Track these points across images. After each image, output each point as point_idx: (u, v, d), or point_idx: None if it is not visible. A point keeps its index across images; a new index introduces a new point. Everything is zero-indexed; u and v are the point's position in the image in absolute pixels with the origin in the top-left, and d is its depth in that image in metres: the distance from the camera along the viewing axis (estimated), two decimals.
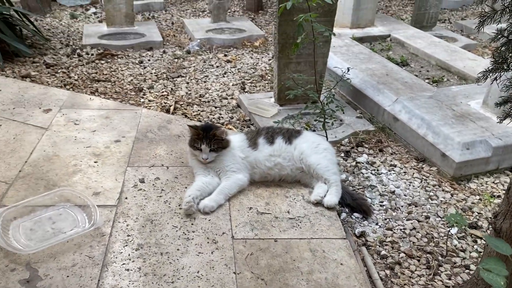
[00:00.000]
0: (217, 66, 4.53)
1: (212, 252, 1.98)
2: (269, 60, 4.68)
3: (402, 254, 2.18)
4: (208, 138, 2.29)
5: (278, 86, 3.41)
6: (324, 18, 3.15)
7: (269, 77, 4.24)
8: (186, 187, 2.36)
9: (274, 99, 3.54)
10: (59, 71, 4.28)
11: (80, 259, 1.90)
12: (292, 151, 2.42)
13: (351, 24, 5.14)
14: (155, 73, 4.30)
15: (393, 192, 2.64)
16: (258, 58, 4.75)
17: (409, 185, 2.71)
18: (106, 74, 4.23)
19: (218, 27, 5.49)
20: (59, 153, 2.62)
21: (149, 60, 4.63)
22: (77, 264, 1.88)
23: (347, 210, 2.43)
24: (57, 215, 2.14)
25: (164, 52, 4.85)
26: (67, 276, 1.82)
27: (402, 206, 2.52)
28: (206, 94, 3.89)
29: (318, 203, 2.31)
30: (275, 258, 1.96)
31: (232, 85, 4.09)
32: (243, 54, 4.88)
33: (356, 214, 2.42)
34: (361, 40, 4.85)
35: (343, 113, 3.13)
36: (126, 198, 2.29)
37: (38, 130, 2.86)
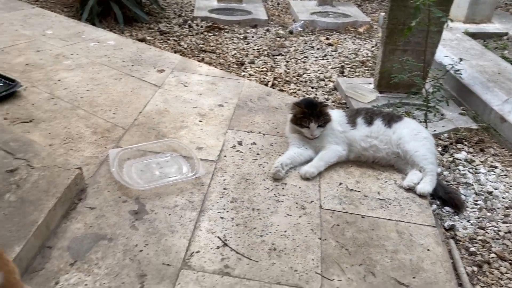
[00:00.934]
0: (318, 48, 4.56)
1: (299, 217, 2.07)
2: (372, 47, 4.61)
3: (492, 255, 2.10)
4: (315, 115, 2.35)
5: (380, 72, 3.37)
6: (440, 7, 3.04)
7: (370, 64, 4.19)
8: (279, 155, 2.46)
9: (374, 85, 3.51)
10: (170, 38, 4.60)
11: (181, 202, 2.10)
12: (390, 134, 2.41)
13: (465, 18, 4.86)
14: (257, 49, 4.45)
15: (490, 193, 2.52)
16: (361, 44, 4.70)
17: (510, 188, 2.57)
18: (212, 46, 4.46)
19: (323, 10, 5.50)
20: (169, 109, 2.86)
21: (252, 36, 4.79)
22: (178, 205, 2.08)
23: (438, 202, 2.38)
24: (164, 161, 2.36)
25: (267, 30, 4.99)
26: (169, 215, 2.02)
27: (498, 208, 2.40)
28: (304, 74, 3.96)
29: (410, 190, 2.29)
30: (360, 233, 2.00)
31: (331, 68, 4.11)
32: (345, 39, 4.85)
33: (447, 208, 2.36)
34: (473, 36, 4.57)
35: (448, 105, 3.02)
36: (225, 156, 2.46)
37: (152, 87, 3.14)
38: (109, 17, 4.83)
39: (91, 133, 2.55)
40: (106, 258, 1.78)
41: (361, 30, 5.07)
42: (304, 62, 4.20)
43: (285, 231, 1.97)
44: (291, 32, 4.93)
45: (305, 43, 4.68)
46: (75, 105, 2.81)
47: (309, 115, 2.35)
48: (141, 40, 4.35)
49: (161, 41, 4.53)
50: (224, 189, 2.21)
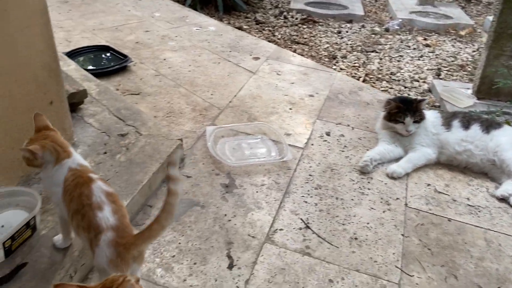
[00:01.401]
0: (414, 48, 4.43)
1: (383, 212, 2.08)
2: (473, 52, 4.38)
3: None
4: (411, 111, 2.33)
5: (481, 78, 3.22)
6: None
7: (469, 69, 3.99)
8: (367, 150, 2.47)
9: (472, 90, 3.35)
10: (265, 28, 4.73)
11: (268, 182, 2.21)
12: (487, 141, 2.32)
13: None
14: (350, 44, 4.43)
15: None
16: (461, 48, 4.48)
17: None
18: (305, 38, 4.52)
19: (423, 10, 5.31)
20: (262, 95, 2.99)
21: (347, 31, 4.77)
22: (265, 184, 2.19)
23: None
24: (255, 142, 2.49)
25: (362, 26, 4.93)
26: (256, 192, 2.14)
27: None
28: (397, 72, 3.88)
29: (503, 200, 2.19)
30: (445, 235, 1.97)
31: (427, 69, 3.98)
32: (444, 41, 4.65)
33: None
34: None
35: None
36: (312, 144, 2.52)
37: (247, 73, 3.28)
38: (210, 4, 5.08)
39: (191, 110, 2.75)
40: (198, 222, 1.93)
41: (462, 33, 4.82)
42: (398, 61, 4.11)
43: (368, 223, 2.00)
44: (387, 30, 4.84)
45: (401, 42, 4.56)
46: (177, 83, 3.03)
47: (405, 110, 2.33)
48: (238, 28, 4.53)
49: (257, 30, 4.68)
50: (310, 175, 2.28)
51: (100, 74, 2.92)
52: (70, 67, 2.80)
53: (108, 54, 3.29)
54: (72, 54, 3.16)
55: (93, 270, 1.68)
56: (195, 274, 1.69)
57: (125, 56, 3.20)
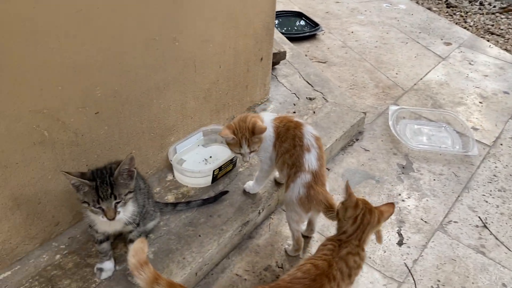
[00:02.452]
0: None
1: None
2: None
3: None
4: None
5: None
6: None
7: None
8: None
9: None
10: (456, 13, 4.40)
11: (447, 172, 2.16)
12: None
13: None
14: None
15: None
16: None
17: None
18: (502, 30, 4.09)
19: None
20: (450, 82, 2.85)
21: None
22: (443, 174, 2.15)
23: None
24: (437, 130, 2.42)
25: None
26: (434, 180, 2.11)
27: None
28: None
29: None
30: None
31: None
32: None
33: None
34: None
35: None
36: (501, 144, 2.36)
37: (436, 57, 3.15)
38: None
39: (374, 86, 2.77)
40: (372, 195, 2.01)
41: None
42: None
43: None
44: None
45: None
46: (362, 57, 3.07)
47: None
48: (428, 9, 4.31)
49: (446, 14, 4.38)
50: (494, 175, 2.16)
51: (291, 38, 3.11)
52: None
53: (301, 21, 3.46)
54: None
55: (275, 212, 1.89)
56: None
57: (316, 24, 3.34)
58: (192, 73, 1.82)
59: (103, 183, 1.25)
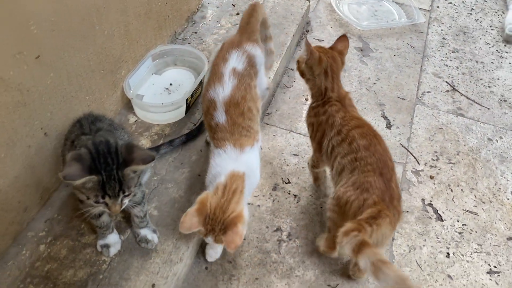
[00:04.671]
0: None
1: None
2: None
3: None
4: None
5: None
6: None
7: None
8: (495, 12, 2.33)
9: None
10: None
11: (402, 45, 2.13)
12: None
13: None
14: None
15: None
16: None
17: None
18: None
19: None
20: None
21: None
22: (400, 48, 2.12)
23: None
24: (378, 5, 2.35)
25: None
26: (394, 55, 2.08)
27: None
28: None
29: None
30: None
31: None
32: None
33: None
34: None
35: None
36: (438, 7, 2.38)
37: None
38: None
39: None
40: (344, 85, 1.91)
41: None
42: None
43: None
44: None
45: None
46: None
47: None
48: None
49: None
50: (443, 38, 2.19)
51: None
52: None
53: None
54: None
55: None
56: None
57: None
58: None
59: (110, 178, 0.96)
